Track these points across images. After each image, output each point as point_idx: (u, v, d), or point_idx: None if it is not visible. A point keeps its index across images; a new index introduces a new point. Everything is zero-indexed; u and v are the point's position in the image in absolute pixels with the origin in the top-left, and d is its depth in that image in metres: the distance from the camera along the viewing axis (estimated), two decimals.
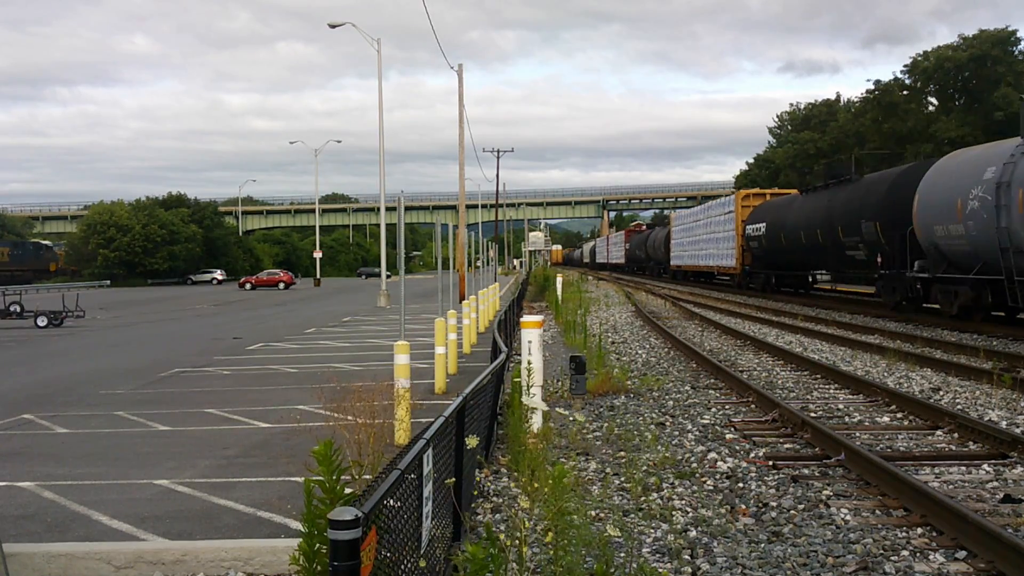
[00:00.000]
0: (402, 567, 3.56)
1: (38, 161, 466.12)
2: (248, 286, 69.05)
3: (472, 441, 4.70)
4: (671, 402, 11.74)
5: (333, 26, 39.87)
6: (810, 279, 37.84)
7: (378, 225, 53.21)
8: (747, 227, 39.38)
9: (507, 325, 17.39)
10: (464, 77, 40.31)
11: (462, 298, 31.91)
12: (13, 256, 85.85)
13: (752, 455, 8.59)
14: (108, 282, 67.84)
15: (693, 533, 6.28)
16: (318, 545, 3.54)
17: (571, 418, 9.83)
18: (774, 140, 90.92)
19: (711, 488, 7.46)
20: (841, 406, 11.13)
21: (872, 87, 64.11)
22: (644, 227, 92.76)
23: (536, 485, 4.41)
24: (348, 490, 3.88)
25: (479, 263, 40.44)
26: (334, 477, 3.68)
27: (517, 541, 4.22)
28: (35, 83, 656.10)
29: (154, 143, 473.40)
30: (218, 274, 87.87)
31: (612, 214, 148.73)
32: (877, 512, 6.68)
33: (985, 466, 7.90)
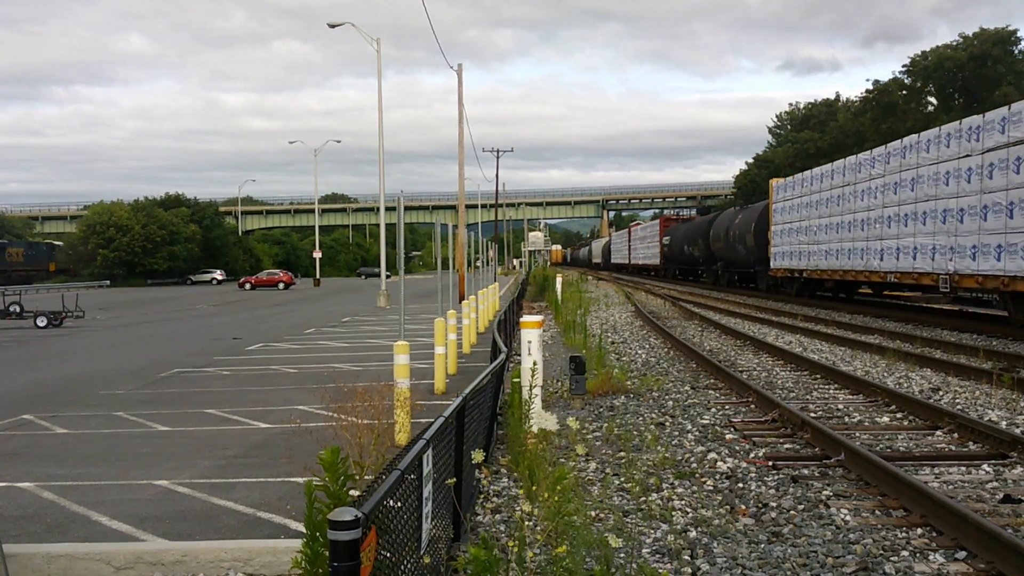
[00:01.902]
0: (402, 567, 3.56)
1: (36, 161, 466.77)
2: (248, 286, 69.05)
3: (478, 456, 4.69)
4: (671, 402, 11.73)
5: (332, 26, 39.85)
6: None
7: (378, 225, 53.33)
8: None
9: (507, 325, 17.38)
10: (463, 77, 40.31)
11: (462, 298, 31.91)
12: (28, 256, 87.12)
13: (752, 455, 8.59)
14: (108, 282, 67.85)
15: (693, 533, 6.28)
16: (320, 549, 3.54)
17: (568, 419, 9.82)
18: (773, 140, 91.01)
19: (711, 488, 7.46)
20: (841, 406, 11.13)
21: (871, 87, 64.24)
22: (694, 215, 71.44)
23: (535, 489, 4.41)
24: (353, 492, 3.88)
25: (479, 263, 40.42)
26: (339, 482, 3.68)
27: (518, 544, 4.22)
28: (31, 82, 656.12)
29: (151, 143, 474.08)
30: (218, 274, 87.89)
31: (611, 214, 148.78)
32: (877, 512, 6.68)
33: (985, 466, 7.90)
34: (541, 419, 7.89)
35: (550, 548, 4.39)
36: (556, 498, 4.26)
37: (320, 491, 3.78)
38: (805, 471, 7.93)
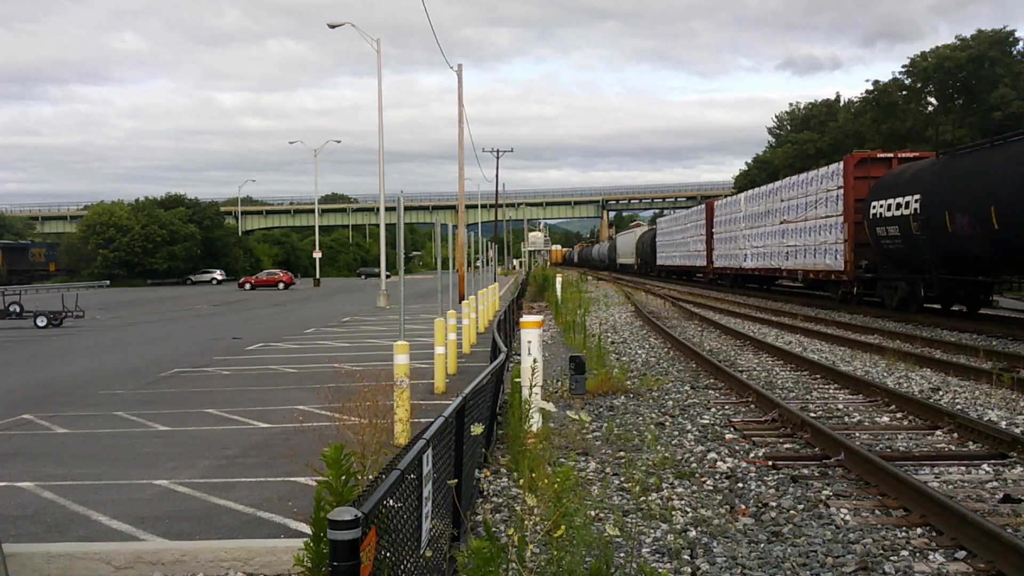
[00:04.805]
0: (402, 567, 3.56)
1: (33, 161, 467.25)
2: (248, 286, 69.03)
3: (477, 429, 4.70)
4: (671, 402, 11.74)
5: (332, 26, 39.84)
6: None
7: (377, 225, 53.28)
8: None
9: (507, 325, 17.38)
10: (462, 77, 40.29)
11: (461, 298, 31.90)
12: (48, 256, 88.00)
13: (752, 455, 8.59)
14: (108, 282, 67.89)
15: (693, 533, 6.28)
16: (324, 549, 3.54)
17: (574, 416, 9.83)
18: (773, 140, 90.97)
19: (711, 488, 7.46)
20: (841, 406, 11.13)
21: (871, 87, 64.24)
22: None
23: (543, 482, 4.42)
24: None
25: (478, 263, 40.43)
26: (342, 479, 3.67)
27: (518, 540, 4.22)
28: (26, 81, 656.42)
29: (148, 142, 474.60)
30: (217, 274, 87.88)
31: (611, 214, 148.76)
32: (877, 512, 6.68)
33: (985, 466, 7.91)
34: (540, 403, 7.91)
35: (550, 546, 4.39)
36: (555, 487, 4.27)
37: (323, 488, 3.78)
38: (805, 471, 7.93)
